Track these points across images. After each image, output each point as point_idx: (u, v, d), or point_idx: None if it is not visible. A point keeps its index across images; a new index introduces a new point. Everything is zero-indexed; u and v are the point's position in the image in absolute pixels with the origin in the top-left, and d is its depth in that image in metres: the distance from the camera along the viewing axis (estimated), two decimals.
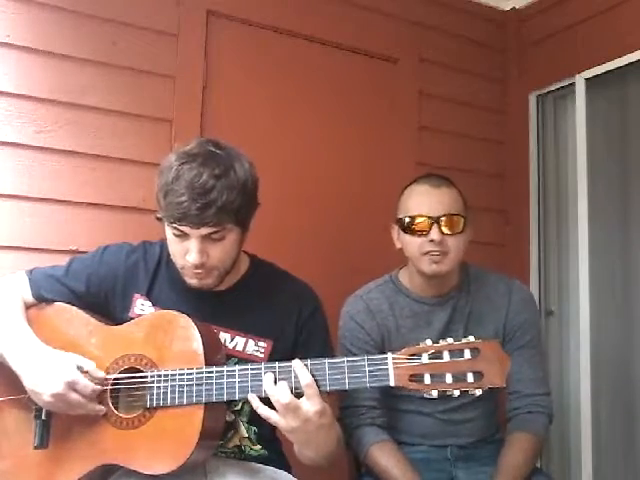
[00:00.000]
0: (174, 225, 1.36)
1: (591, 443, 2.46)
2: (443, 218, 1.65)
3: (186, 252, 1.38)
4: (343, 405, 1.70)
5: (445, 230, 1.65)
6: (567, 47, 2.70)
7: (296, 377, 1.24)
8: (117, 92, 2.14)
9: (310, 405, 1.22)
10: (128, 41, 2.17)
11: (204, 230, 1.34)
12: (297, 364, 1.26)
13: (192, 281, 1.43)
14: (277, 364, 1.28)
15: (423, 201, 1.68)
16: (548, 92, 2.84)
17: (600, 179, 2.60)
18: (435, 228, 1.65)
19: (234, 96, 2.36)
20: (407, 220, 1.69)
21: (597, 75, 2.59)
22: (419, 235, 1.67)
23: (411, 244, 1.70)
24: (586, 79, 2.62)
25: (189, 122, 2.23)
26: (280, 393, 1.23)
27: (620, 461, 2.50)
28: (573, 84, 2.68)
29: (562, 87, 2.77)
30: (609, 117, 2.64)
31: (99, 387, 1.34)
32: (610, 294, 2.56)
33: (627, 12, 2.46)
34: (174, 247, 1.41)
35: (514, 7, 2.96)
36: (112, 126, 2.13)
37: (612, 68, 2.53)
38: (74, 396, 1.31)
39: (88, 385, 1.32)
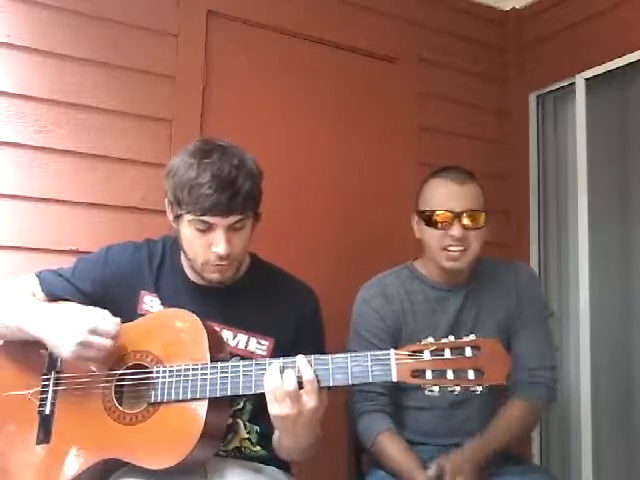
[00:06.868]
0: (202, 218, 1.38)
1: (591, 442, 2.46)
2: (465, 214, 1.68)
3: (210, 245, 1.41)
4: (353, 390, 1.72)
5: (467, 225, 1.68)
6: (567, 47, 2.70)
7: (299, 372, 1.25)
8: (117, 92, 2.14)
9: (307, 399, 1.24)
10: (128, 41, 2.17)
11: (232, 218, 1.39)
12: (301, 359, 1.27)
13: (213, 276, 1.46)
14: (282, 358, 1.29)
15: (446, 195, 1.72)
16: (548, 92, 2.84)
17: (600, 179, 2.60)
18: (457, 223, 1.68)
19: (234, 96, 2.36)
20: (429, 213, 1.72)
21: (597, 75, 2.59)
22: (440, 229, 1.70)
23: (432, 237, 1.73)
24: (586, 79, 2.62)
25: (189, 122, 2.23)
26: (287, 380, 1.24)
27: (620, 460, 2.50)
28: (573, 84, 2.68)
29: (562, 87, 2.77)
30: (609, 117, 2.64)
31: (120, 324, 1.35)
32: (610, 294, 2.55)
33: (627, 12, 2.46)
34: (196, 243, 1.42)
35: (514, 7, 2.96)
36: (112, 126, 2.13)
37: (612, 68, 2.53)
38: (98, 340, 1.32)
39: (109, 325, 1.33)
